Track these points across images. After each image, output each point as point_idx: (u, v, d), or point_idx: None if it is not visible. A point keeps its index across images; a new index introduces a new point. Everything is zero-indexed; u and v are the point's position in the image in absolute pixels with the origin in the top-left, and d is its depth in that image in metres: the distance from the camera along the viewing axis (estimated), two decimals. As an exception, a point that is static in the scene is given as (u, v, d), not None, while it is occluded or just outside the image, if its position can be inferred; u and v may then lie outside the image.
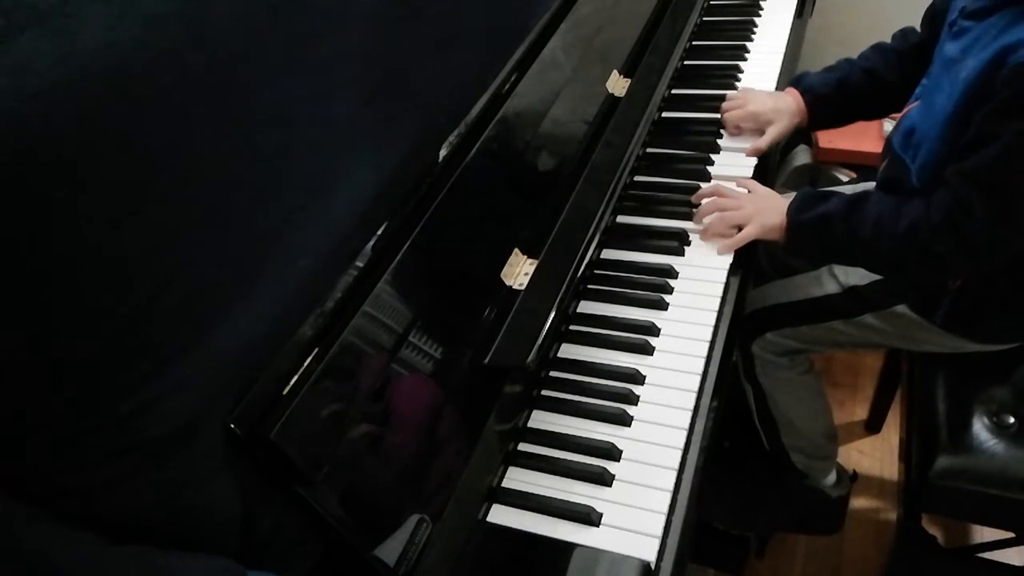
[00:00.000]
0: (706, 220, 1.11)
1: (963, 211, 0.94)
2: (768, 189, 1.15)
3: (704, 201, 1.13)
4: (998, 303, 1.10)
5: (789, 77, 1.42)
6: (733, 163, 1.23)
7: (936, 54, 1.07)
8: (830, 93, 1.25)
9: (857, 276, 1.18)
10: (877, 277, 1.16)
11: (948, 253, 0.97)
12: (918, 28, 1.23)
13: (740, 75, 1.39)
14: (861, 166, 1.90)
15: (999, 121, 0.90)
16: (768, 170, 1.28)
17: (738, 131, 1.26)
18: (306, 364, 0.70)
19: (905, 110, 1.12)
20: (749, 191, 1.15)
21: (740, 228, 1.09)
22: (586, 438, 0.89)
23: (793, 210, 1.08)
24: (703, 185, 1.17)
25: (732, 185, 1.17)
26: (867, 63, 1.25)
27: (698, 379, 0.94)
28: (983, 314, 1.11)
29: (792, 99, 1.27)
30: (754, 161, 1.23)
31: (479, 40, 1.02)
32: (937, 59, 1.06)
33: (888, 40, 1.27)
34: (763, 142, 1.24)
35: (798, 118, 1.26)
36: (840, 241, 1.04)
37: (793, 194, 1.12)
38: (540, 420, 0.92)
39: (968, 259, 0.98)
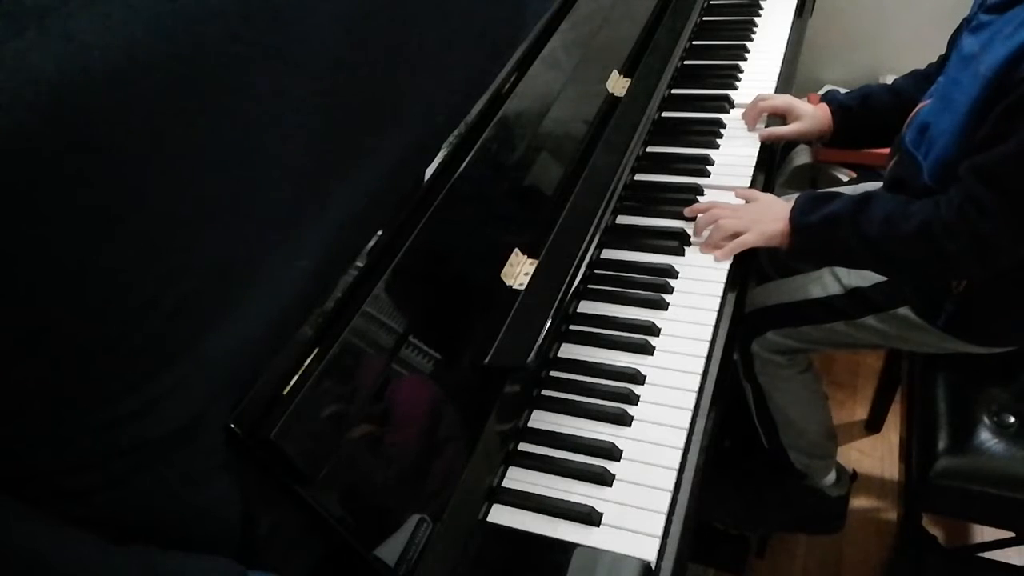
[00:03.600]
0: (704, 233, 1.11)
1: (976, 209, 0.93)
2: (769, 195, 1.15)
3: (700, 216, 1.12)
4: (1001, 307, 1.10)
5: (789, 77, 1.42)
6: (733, 163, 1.23)
7: (953, 51, 1.07)
8: (854, 105, 1.26)
9: (859, 278, 1.18)
10: (879, 279, 1.16)
11: (959, 252, 0.96)
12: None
13: (740, 75, 1.39)
14: (861, 166, 1.90)
15: (1016, 118, 0.89)
16: (770, 171, 1.28)
17: (753, 122, 1.28)
18: (306, 364, 0.70)
19: (918, 107, 1.11)
20: (748, 200, 1.14)
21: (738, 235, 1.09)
22: (586, 438, 0.89)
23: (796, 213, 1.07)
24: (699, 198, 1.17)
25: (730, 196, 1.17)
26: (895, 84, 1.26)
27: (698, 379, 0.94)
28: (986, 318, 1.11)
29: (821, 111, 1.28)
30: (753, 160, 1.23)
31: (479, 40, 1.02)
32: (954, 56, 1.05)
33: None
34: (782, 130, 1.26)
35: (823, 127, 1.28)
36: (847, 243, 1.03)
37: (794, 196, 1.12)
38: (540, 420, 0.92)
39: (979, 258, 0.97)
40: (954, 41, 1.17)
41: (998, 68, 0.91)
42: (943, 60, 1.19)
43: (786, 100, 1.28)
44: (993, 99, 0.92)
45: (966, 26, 1.04)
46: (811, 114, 1.27)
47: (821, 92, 2.02)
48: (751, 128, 1.28)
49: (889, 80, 1.30)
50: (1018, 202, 0.92)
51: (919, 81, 1.22)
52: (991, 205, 0.92)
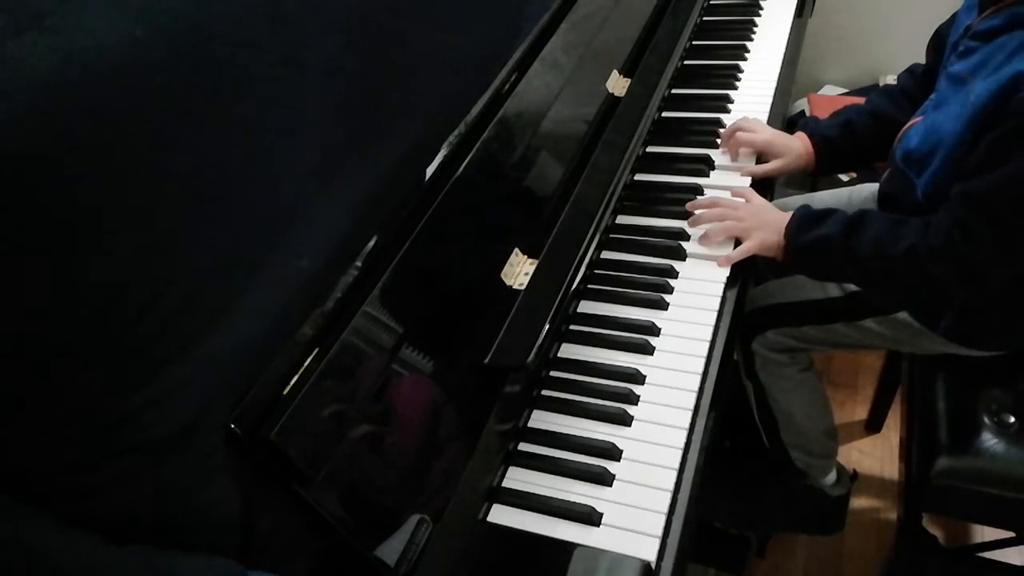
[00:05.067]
0: (706, 227, 1.11)
1: (964, 234, 0.94)
2: (764, 200, 1.15)
3: (702, 211, 1.12)
4: (1002, 313, 1.10)
5: (789, 77, 1.42)
6: (733, 164, 1.23)
7: (941, 72, 1.07)
8: (836, 134, 1.24)
9: None
10: None
11: (946, 276, 0.97)
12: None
13: (740, 75, 1.39)
14: (861, 166, 1.90)
15: (1009, 148, 0.90)
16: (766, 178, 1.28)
17: (735, 154, 1.23)
18: (306, 364, 0.70)
19: (907, 125, 1.11)
20: (747, 200, 1.14)
21: (738, 239, 1.09)
22: (586, 438, 0.89)
23: (792, 231, 1.07)
24: (699, 197, 1.16)
25: (727, 195, 1.16)
26: (871, 106, 1.24)
27: (698, 379, 0.94)
28: (987, 324, 1.11)
29: (801, 142, 1.25)
30: (753, 160, 1.23)
31: (479, 41, 1.02)
32: (943, 77, 1.05)
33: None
34: (763, 168, 1.21)
35: (805, 160, 1.25)
36: (839, 263, 1.05)
37: (790, 199, 1.12)
38: (540, 420, 0.92)
39: (967, 282, 0.98)
40: (932, 47, 1.17)
41: (989, 98, 0.91)
42: (924, 74, 1.19)
43: (765, 140, 1.22)
44: (984, 127, 0.92)
45: (952, 50, 1.04)
46: (791, 149, 1.22)
47: (820, 92, 2.03)
48: (733, 158, 1.23)
49: (890, 81, 1.30)
50: (1006, 229, 0.93)
51: (894, 98, 1.22)
52: (979, 231, 0.93)
